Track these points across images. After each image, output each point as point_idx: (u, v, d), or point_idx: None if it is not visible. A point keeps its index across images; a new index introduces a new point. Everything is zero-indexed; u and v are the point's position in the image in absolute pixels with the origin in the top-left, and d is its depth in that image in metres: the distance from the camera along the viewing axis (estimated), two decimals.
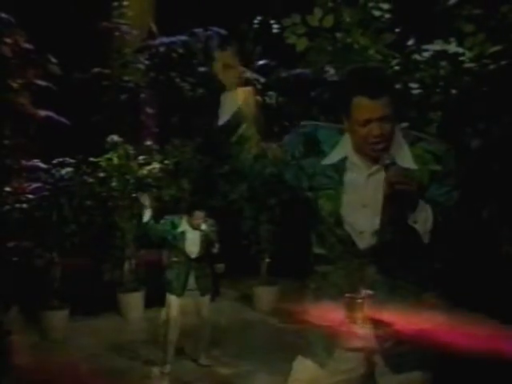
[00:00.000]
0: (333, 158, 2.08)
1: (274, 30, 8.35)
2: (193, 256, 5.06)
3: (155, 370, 5.17)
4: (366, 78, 1.99)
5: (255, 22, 8.96)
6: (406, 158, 1.99)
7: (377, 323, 2.04)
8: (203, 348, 5.32)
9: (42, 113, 6.22)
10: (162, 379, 5.04)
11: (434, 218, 1.88)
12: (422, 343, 1.95)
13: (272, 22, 8.34)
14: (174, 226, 5.13)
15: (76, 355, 5.62)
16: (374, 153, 1.94)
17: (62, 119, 6.65)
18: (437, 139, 2.05)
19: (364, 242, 2.04)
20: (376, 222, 2.00)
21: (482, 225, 4.08)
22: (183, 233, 5.10)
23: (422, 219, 1.87)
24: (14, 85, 5.86)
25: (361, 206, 2.02)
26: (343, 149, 2.06)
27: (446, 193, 1.95)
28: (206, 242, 5.09)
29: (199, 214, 5.09)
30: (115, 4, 8.34)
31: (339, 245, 2.11)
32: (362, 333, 2.07)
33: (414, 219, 1.88)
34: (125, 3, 8.50)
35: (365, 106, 1.92)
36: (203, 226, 5.12)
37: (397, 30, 5.00)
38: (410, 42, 4.90)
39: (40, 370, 5.06)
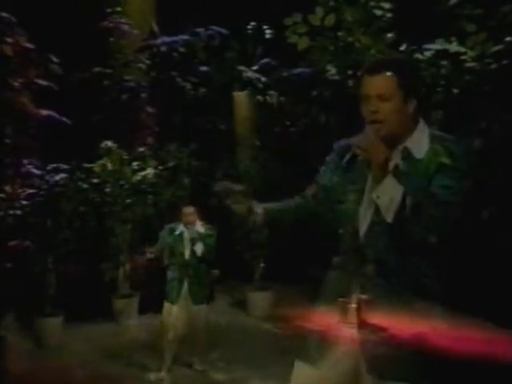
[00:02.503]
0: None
1: (274, 31, 8.38)
2: (186, 257, 5.05)
3: (150, 375, 5.16)
4: (376, 58, 2.06)
5: (255, 22, 8.97)
6: (419, 150, 1.99)
7: (372, 327, 2.03)
8: (198, 353, 5.30)
9: (43, 112, 6.22)
10: None
11: (414, 209, 1.86)
12: (418, 347, 1.95)
13: (270, 24, 8.37)
14: (172, 230, 5.14)
15: (71, 361, 5.58)
16: (375, 131, 1.94)
17: (63, 119, 6.66)
18: (456, 140, 2.05)
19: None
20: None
21: (482, 225, 4.07)
22: (181, 235, 5.10)
23: (386, 197, 1.88)
24: (15, 84, 5.86)
25: (373, 196, 2.01)
26: None
27: (448, 187, 1.94)
28: (192, 242, 5.06)
29: (187, 210, 5.08)
30: (115, 3, 8.32)
31: (347, 247, 2.12)
32: (354, 336, 2.07)
33: (377, 194, 1.89)
34: (125, 3, 8.51)
35: (365, 82, 2.01)
36: (199, 229, 5.11)
37: (398, 29, 5.00)
38: (402, 48, 4.90)
39: (35, 376, 5.05)
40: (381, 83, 1.98)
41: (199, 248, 5.05)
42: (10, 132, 5.98)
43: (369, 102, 1.98)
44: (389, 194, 1.88)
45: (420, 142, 2.00)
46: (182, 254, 5.06)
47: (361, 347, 2.10)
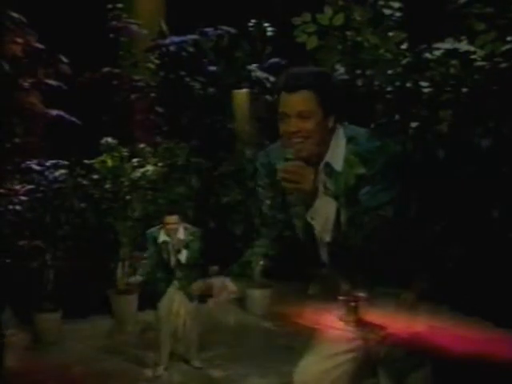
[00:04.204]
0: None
1: (282, 31, 8.35)
2: (172, 264, 5.04)
3: (148, 372, 5.17)
4: (287, 74, 2.00)
5: (260, 20, 8.96)
6: (339, 161, 1.97)
7: (371, 326, 2.04)
8: (195, 350, 5.31)
9: (53, 112, 6.25)
10: (155, 382, 5.04)
11: (349, 222, 1.85)
12: (415, 346, 1.95)
13: (278, 23, 8.34)
14: (154, 238, 5.11)
15: (68, 358, 5.65)
16: (296, 152, 1.92)
17: (73, 118, 6.68)
18: (372, 137, 2.00)
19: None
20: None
21: (491, 225, 4.04)
22: (165, 243, 5.07)
23: (321, 217, 1.87)
24: (25, 84, 5.89)
25: (307, 219, 2.03)
26: None
27: (368, 193, 1.91)
28: (176, 250, 5.03)
29: (170, 219, 5.03)
30: (121, 4, 8.34)
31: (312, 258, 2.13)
32: (353, 334, 2.08)
33: (311, 215, 1.90)
34: (134, 3, 8.54)
35: (283, 100, 1.96)
36: (182, 235, 5.07)
37: (407, 28, 4.97)
38: (403, 46, 4.87)
39: (33, 372, 5.08)
40: (300, 101, 1.92)
41: (183, 255, 5.05)
42: (21, 132, 6.00)
43: (288, 121, 1.93)
44: (324, 214, 1.87)
45: (337, 152, 1.98)
46: (168, 262, 5.07)
47: (360, 345, 2.11)
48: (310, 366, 2.13)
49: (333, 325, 2.11)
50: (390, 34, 4.92)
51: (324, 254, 2.04)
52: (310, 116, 1.93)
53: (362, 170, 1.92)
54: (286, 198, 2.08)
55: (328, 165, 1.96)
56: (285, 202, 2.08)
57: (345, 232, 1.83)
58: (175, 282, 5.07)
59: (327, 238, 1.86)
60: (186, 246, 5.06)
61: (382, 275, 1.96)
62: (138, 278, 5.24)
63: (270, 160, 2.15)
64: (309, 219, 1.88)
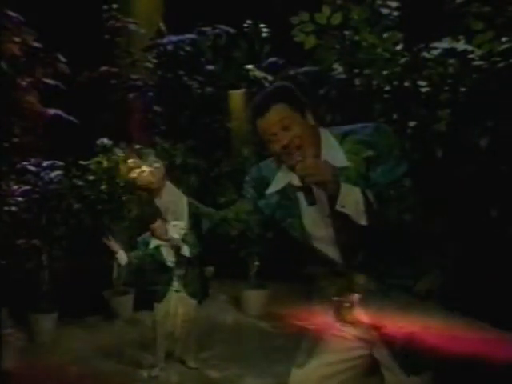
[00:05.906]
0: (276, 185, 2.16)
1: (279, 30, 8.34)
2: (172, 265, 5.00)
3: (144, 373, 5.17)
4: (253, 105, 2.09)
5: (258, 20, 8.97)
6: (338, 157, 2.00)
7: (366, 326, 2.05)
8: (192, 351, 5.30)
9: (50, 111, 6.25)
10: (151, 382, 5.03)
11: (377, 199, 1.87)
12: (412, 346, 1.96)
13: (275, 22, 8.34)
14: (147, 243, 5.06)
15: (64, 358, 5.62)
16: (294, 162, 1.94)
17: (71, 118, 6.68)
18: (364, 123, 2.07)
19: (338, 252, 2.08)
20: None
21: (490, 224, 4.05)
22: (158, 248, 5.01)
23: (351, 202, 1.86)
24: (23, 83, 5.88)
25: (325, 219, 2.05)
26: (285, 175, 2.11)
27: (383, 171, 1.95)
28: (176, 248, 4.98)
29: (154, 226, 4.95)
30: (118, 3, 8.35)
31: (320, 262, 2.14)
32: (350, 335, 2.09)
33: (341, 204, 1.88)
34: (132, 2, 8.54)
35: (262, 126, 2.01)
36: (174, 234, 5.01)
37: (405, 27, 4.98)
38: (399, 47, 4.88)
39: (28, 373, 5.07)
40: (276, 115, 1.98)
41: (186, 250, 4.99)
42: (19, 131, 6.00)
43: (276, 138, 1.99)
44: (352, 198, 1.86)
45: (332, 149, 2.03)
46: (167, 264, 5.01)
47: (361, 354, 2.12)
48: (308, 372, 2.14)
49: (329, 325, 2.12)
50: (388, 33, 4.93)
51: (332, 252, 2.06)
52: (292, 122, 1.98)
53: (369, 153, 1.96)
54: (280, 210, 2.15)
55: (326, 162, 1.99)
56: (280, 214, 2.16)
57: (377, 208, 1.85)
58: (175, 283, 5.04)
59: (363, 221, 1.86)
60: (184, 240, 5.02)
61: (399, 263, 2.01)
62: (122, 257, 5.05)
63: (262, 175, 2.22)
64: (339, 208, 1.89)
